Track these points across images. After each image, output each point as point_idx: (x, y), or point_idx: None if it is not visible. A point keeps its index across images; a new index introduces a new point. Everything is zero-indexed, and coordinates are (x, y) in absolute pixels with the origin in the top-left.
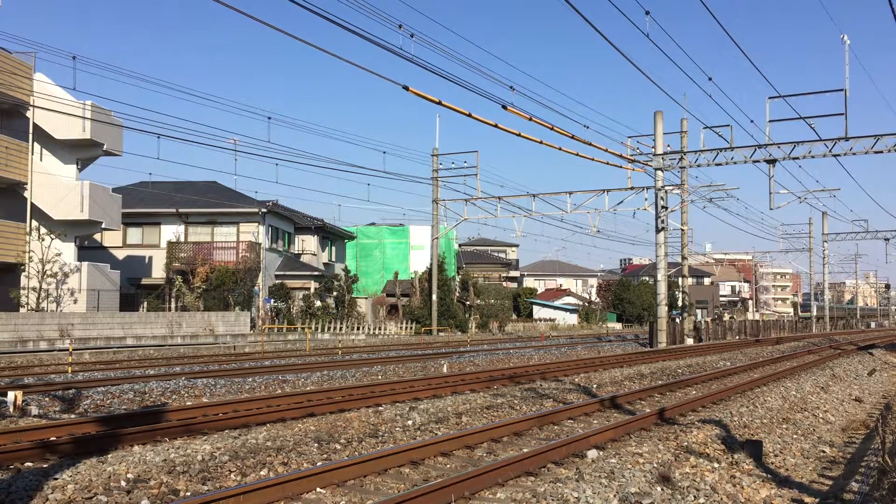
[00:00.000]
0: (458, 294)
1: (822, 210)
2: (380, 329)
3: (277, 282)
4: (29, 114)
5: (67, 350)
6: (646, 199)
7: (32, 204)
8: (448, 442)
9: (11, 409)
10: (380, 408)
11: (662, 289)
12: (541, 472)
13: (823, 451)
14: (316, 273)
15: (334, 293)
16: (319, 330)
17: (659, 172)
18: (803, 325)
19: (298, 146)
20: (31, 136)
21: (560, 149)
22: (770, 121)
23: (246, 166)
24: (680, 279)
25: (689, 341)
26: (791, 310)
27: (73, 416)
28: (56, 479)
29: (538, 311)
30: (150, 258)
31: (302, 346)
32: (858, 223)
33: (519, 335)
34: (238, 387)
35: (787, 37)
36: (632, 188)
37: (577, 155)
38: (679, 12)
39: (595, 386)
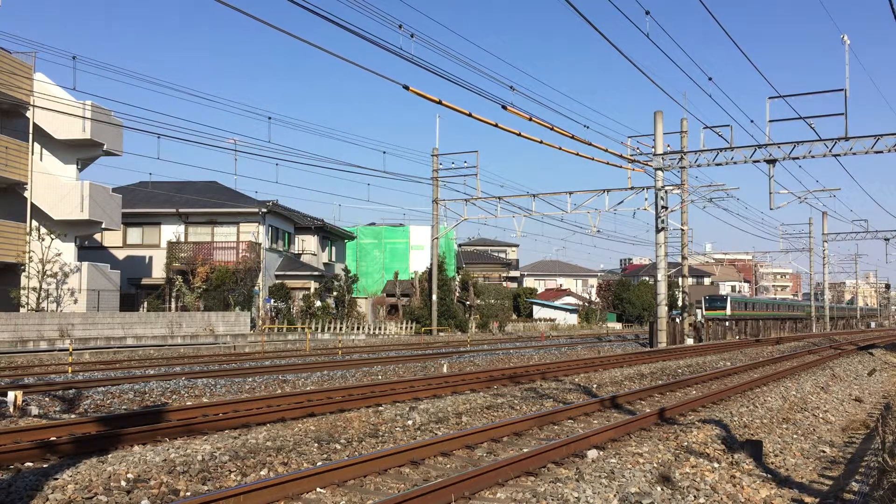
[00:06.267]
0: (458, 294)
1: (822, 210)
2: (380, 329)
3: (277, 282)
4: (29, 114)
5: (67, 350)
6: (646, 199)
7: (32, 204)
8: (448, 442)
9: (11, 409)
10: (380, 408)
11: (662, 289)
12: (541, 472)
13: (823, 451)
14: (316, 273)
15: (334, 293)
16: (319, 330)
17: (659, 172)
18: (803, 326)
19: (298, 146)
20: (31, 136)
21: (560, 149)
22: (770, 121)
23: (246, 166)
24: (680, 279)
25: (689, 341)
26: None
27: (73, 416)
28: (56, 479)
29: (538, 311)
30: (150, 258)
31: (302, 346)
32: (858, 223)
33: (519, 335)
34: (238, 387)
35: (787, 37)
36: (632, 188)
37: (577, 155)
38: (679, 12)
39: (595, 386)
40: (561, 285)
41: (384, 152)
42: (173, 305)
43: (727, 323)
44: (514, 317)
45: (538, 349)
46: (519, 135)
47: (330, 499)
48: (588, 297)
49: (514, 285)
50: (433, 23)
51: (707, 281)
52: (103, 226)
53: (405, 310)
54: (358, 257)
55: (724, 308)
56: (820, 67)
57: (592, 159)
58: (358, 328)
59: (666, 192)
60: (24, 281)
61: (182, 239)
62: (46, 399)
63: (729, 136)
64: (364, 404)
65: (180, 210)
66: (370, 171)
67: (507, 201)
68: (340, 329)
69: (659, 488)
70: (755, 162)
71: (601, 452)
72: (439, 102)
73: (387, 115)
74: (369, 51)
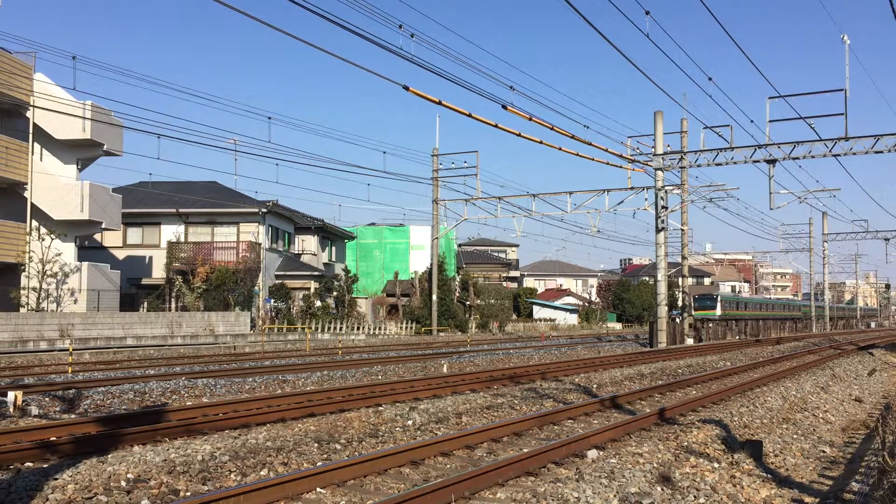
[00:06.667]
0: (458, 294)
1: (822, 210)
2: (380, 329)
3: (277, 282)
4: (29, 114)
5: (67, 350)
6: (646, 199)
7: (32, 204)
8: (448, 442)
9: (11, 409)
10: (380, 408)
11: (662, 289)
12: (541, 472)
13: (823, 451)
14: (316, 273)
15: (334, 293)
16: (319, 330)
17: (659, 172)
18: (803, 326)
19: (298, 146)
20: (31, 136)
21: (560, 149)
22: (770, 121)
23: (246, 166)
24: (680, 279)
25: (689, 341)
26: None
27: (73, 416)
28: (56, 479)
29: (538, 311)
30: (150, 258)
31: (302, 346)
32: (858, 223)
33: (519, 335)
34: (238, 387)
35: (787, 37)
36: (632, 188)
37: (577, 155)
38: (679, 12)
39: (595, 386)
40: (561, 285)
41: (384, 152)
42: (173, 305)
43: (726, 323)
44: (514, 317)
45: (538, 349)
46: (519, 135)
47: (330, 499)
48: (588, 297)
49: (514, 285)
50: (433, 23)
51: (707, 281)
52: (103, 226)
53: (405, 310)
54: (358, 257)
55: (714, 308)
56: (820, 67)
57: (592, 159)
58: (358, 328)
59: (666, 192)
60: (24, 281)
61: (182, 239)
62: (46, 399)
63: (729, 136)
64: (364, 404)
65: (180, 210)
66: (370, 171)
67: (507, 201)
68: (340, 329)
69: (659, 488)
70: (755, 162)
71: (601, 452)
72: (439, 103)
73: (387, 115)
74: (369, 51)
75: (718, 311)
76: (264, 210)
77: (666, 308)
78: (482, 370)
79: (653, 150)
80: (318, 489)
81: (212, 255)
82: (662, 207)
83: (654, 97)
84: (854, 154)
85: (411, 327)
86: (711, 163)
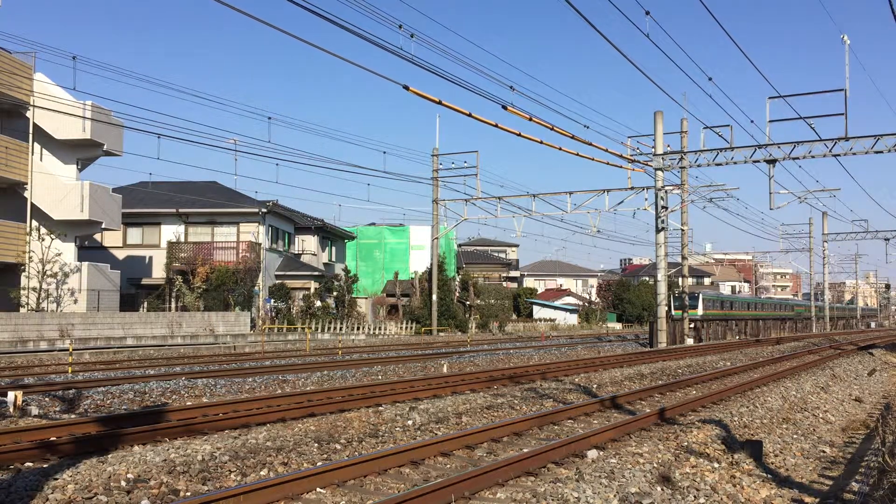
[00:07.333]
0: (458, 294)
1: (822, 210)
2: (380, 329)
3: (277, 282)
4: (29, 114)
5: (67, 350)
6: (646, 199)
7: (32, 204)
8: (448, 442)
9: (11, 409)
10: (380, 408)
11: (662, 289)
12: (541, 472)
13: (823, 451)
14: (316, 273)
15: (334, 293)
16: (319, 330)
17: (659, 172)
18: (803, 326)
19: (298, 146)
20: (31, 136)
21: (560, 149)
22: (770, 121)
23: (246, 166)
24: (680, 279)
25: (689, 341)
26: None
27: (73, 416)
28: (56, 479)
29: (538, 311)
30: (150, 258)
31: (302, 346)
32: (858, 223)
33: (519, 335)
34: (238, 387)
35: (787, 37)
36: (632, 188)
37: (577, 155)
38: (679, 12)
39: (595, 386)
40: (561, 285)
41: (384, 152)
42: (173, 305)
43: (726, 323)
44: (514, 317)
45: (538, 349)
46: (519, 135)
47: (330, 499)
48: (588, 297)
49: (514, 285)
50: (433, 23)
51: (707, 281)
52: (103, 226)
53: (405, 310)
54: (358, 257)
55: (696, 307)
56: (820, 67)
57: (592, 159)
58: (358, 328)
59: (666, 192)
60: (24, 281)
61: (182, 239)
62: (46, 399)
63: (729, 136)
64: (364, 404)
65: (180, 210)
66: (370, 171)
67: (507, 201)
68: (340, 329)
69: (659, 488)
70: (755, 162)
71: (601, 452)
72: (439, 102)
73: (387, 115)
74: (369, 51)
75: (700, 311)
76: (264, 210)
77: (666, 308)
78: (482, 370)
79: (653, 150)
80: (318, 489)
81: (212, 255)
82: (662, 207)
83: (654, 97)
84: (854, 154)
85: (411, 327)
86: (711, 163)
